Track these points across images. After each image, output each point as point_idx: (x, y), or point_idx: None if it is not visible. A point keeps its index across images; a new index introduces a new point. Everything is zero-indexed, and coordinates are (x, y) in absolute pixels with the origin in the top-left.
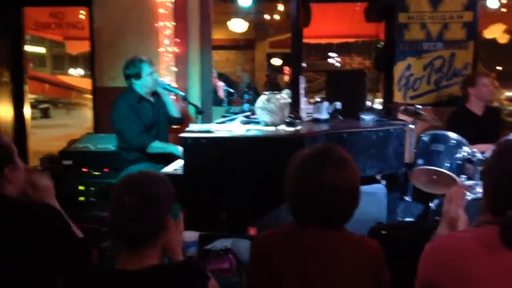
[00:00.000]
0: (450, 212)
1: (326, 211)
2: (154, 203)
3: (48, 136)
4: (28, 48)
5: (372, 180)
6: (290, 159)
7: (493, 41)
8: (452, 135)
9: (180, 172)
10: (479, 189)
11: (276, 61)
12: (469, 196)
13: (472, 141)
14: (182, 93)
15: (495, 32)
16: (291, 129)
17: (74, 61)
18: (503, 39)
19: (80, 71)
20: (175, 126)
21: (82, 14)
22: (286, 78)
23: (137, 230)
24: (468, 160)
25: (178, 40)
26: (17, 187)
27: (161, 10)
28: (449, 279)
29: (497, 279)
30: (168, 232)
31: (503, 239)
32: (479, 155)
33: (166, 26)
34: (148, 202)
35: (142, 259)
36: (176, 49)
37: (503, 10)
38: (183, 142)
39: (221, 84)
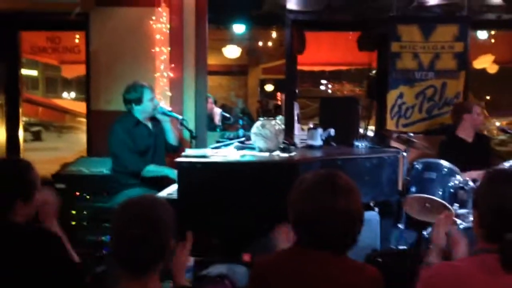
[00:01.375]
0: (439, 239)
1: (334, 237)
2: (157, 228)
3: (40, 159)
4: (23, 71)
5: (365, 207)
6: (294, 184)
7: (482, 71)
8: (445, 163)
9: (174, 196)
10: (472, 217)
11: (269, 87)
12: (463, 224)
13: (463, 169)
14: (181, 117)
15: (484, 63)
16: (286, 155)
17: (68, 84)
18: (492, 69)
19: (73, 95)
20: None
21: (78, 39)
22: (279, 104)
23: (141, 255)
24: (461, 188)
25: (173, 65)
26: (24, 219)
27: (157, 36)
28: None
29: None
30: (172, 256)
31: (503, 263)
32: (471, 184)
33: (162, 52)
34: (152, 227)
35: (144, 284)
36: (171, 74)
37: (492, 41)
38: (178, 166)
39: (218, 111)
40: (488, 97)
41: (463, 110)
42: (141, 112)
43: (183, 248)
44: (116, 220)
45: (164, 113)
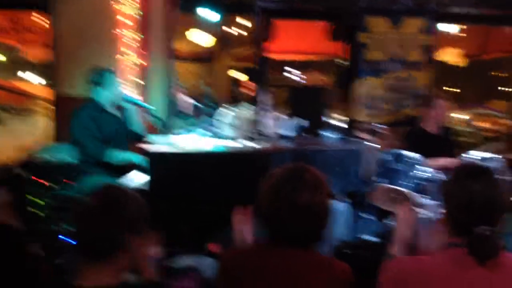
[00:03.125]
0: (401, 232)
1: (300, 232)
2: (117, 210)
3: (3, 144)
4: None
5: (336, 198)
6: (263, 178)
7: (448, 64)
8: (410, 154)
9: (145, 187)
10: (436, 209)
11: (238, 75)
12: (427, 214)
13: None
14: (147, 105)
15: (449, 56)
16: (256, 145)
17: (30, 67)
18: (460, 62)
19: (35, 77)
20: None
21: (41, 20)
22: (248, 92)
23: (99, 235)
24: (426, 179)
25: (141, 51)
26: None
27: (120, 18)
28: None
29: None
30: (134, 250)
31: (474, 256)
32: (438, 175)
33: (127, 35)
34: (112, 207)
35: (101, 275)
36: (138, 60)
37: (459, 34)
38: (149, 156)
39: (190, 100)
40: (456, 90)
41: (425, 103)
42: (104, 97)
43: (147, 240)
44: (79, 208)
45: (129, 101)
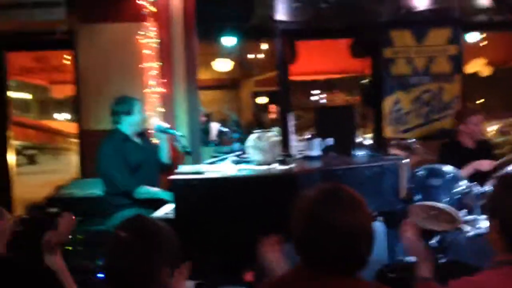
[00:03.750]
0: (417, 251)
1: (339, 258)
2: (150, 244)
3: (35, 183)
4: (12, 94)
5: None
6: (296, 200)
7: (475, 74)
8: (448, 168)
9: (171, 216)
10: (481, 224)
11: (262, 100)
12: (471, 231)
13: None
14: (180, 133)
15: (476, 66)
16: (284, 167)
17: (59, 105)
18: (485, 72)
19: (65, 115)
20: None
21: (66, 59)
22: (272, 116)
23: (127, 267)
24: (466, 194)
25: (165, 80)
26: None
27: (145, 51)
28: None
29: None
30: (168, 285)
31: None
32: (478, 188)
33: (151, 67)
34: (145, 241)
35: None
36: (163, 90)
37: (484, 43)
38: (173, 184)
39: (215, 125)
40: (482, 100)
41: (459, 119)
42: (130, 125)
43: (180, 274)
44: (111, 241)
45: (162, 130)
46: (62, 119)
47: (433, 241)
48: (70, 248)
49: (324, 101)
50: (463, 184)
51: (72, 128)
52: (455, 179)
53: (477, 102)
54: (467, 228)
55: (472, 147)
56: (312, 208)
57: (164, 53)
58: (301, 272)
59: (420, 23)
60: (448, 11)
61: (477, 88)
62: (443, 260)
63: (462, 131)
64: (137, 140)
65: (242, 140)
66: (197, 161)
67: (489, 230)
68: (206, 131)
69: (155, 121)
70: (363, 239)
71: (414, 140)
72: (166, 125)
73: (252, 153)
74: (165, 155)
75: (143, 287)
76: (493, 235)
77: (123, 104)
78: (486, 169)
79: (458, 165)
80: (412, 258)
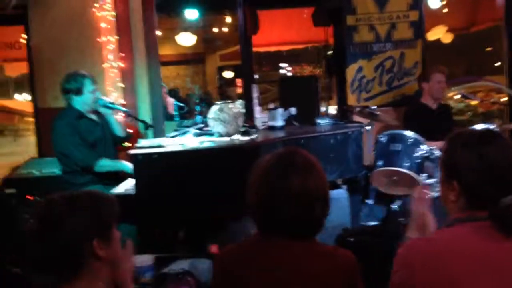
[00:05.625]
0: (420, 214)
1: (294, 221)
2: (53, 228)
3: None
4: None
5: (333, 186)
6: (252, 167)
7: (437, 41)
8: (409, 133)
9: (131, 191)
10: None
11: (228, 74)
12: (432, 194)
13: (427, 137)
14: (125, 109)
15: (438, 33)
16: (247, 138)
17: (15, 84)
18: (446, 39)
19: (22, 95)
20: (124, 144)
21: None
22: (239, 90)
23: (39, 255)
24: (427, 158)
25: (123, 55)
26: None
27: (102, 25)
28: (436, 282)
29: (499, 269)
30: (102, 262)
31: (504, 227)
32: (437, 153)
33: (109, 41)
34: (48, 228)
35: None
36: (121, 64)
37: (445, 10)
38: (133, 159)
39: (171, 100)
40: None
41: (422, 79)
42: (81, 104)
43: (125, 253)
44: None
45: (106, 106)
46: (21, 99)
47: (395, 205)
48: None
49: (290, 74)
50: (423, 149)
51: (27, 106)
52: (415, 144)
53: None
54: (427, 191)
55: (435, 108)
56: (266, 173)
57: (122, 26)
58: (258, 238)
59: None
60: None
61: (439, 55)
62: (404, 223)
63: (426, 90)
64: (93, 116)
65: (206, 113)
66: (160, 136)
67: (444, 191)
68: (165, 107)
69: (97, 96)
70: (317, 202)
71: (375, 107)
72: (108, 99)
73: (214, 125)
74: (117, 129)
75: (70, 269)
76: (450, 196)
77: (73, 82)
78: None
79: (422, 128)
80: (371, 223)
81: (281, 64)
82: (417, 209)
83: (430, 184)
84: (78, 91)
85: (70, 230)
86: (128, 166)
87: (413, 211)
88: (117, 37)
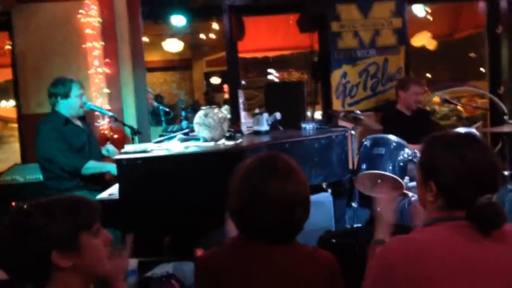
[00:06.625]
0: (386, 215)
1: (274, 225)
2: (16, 238)
3: None
4: None
5: (317, 189)
6: (234, 171)
7: (421, 48)
8: (392, 137)
9: (116, 196)
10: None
11: (215, 80)
12: (414, 197)
13: (406, 141)
14: (111, 114)
15: (422, 40)
16: (231, 142)
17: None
18: (430, 45)
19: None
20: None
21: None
22: (226, 96)
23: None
24: (410, 161)
25: (109, 61)
26: None
27: (88, 31)
28: (413, 281)
29: (476, 268)
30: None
31: (481, 226)
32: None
33: (94, 47)
34: (11, 235)
35: None
36: (107, 70)
37: (429, 17)
38: (117, 164)
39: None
40: (428, 74)
41: (399, 87)
42: (67, 108)
43: (120, 252)
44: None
45: (92, 110)
46: (5, 105)
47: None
48: None
49: (277, 80)
50: (406, 152)
51: (12, 113)
52: (399, 147)
53: (422, 75)
54: (410, 193)
55: (410, 115)
56: (247, 177)
57: (107, 32)
58: (238, 242)
59: None
60: None
61: (423, 61)
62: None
63: (401, 98)
64: (78, 123)
65: (191, 118)
66: (146, 141)
67: (421, 191)
68: (155, 113)
69: (84, 101)
70: (298, 206)
71: (359, 112)
72: (96, 105)
73: (199, 130)
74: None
75: (39, 278)
76: (427, 196)
77: (61, 86)
78: None
79: (398, 133)
80: (353, 225)
81: (269, 70)
82: (386, 211)
83: (413, 187)
84: (65, 95)
85: (29, 241)
86: (115, 167)
87: (380, 212)
88: (103, 43)
